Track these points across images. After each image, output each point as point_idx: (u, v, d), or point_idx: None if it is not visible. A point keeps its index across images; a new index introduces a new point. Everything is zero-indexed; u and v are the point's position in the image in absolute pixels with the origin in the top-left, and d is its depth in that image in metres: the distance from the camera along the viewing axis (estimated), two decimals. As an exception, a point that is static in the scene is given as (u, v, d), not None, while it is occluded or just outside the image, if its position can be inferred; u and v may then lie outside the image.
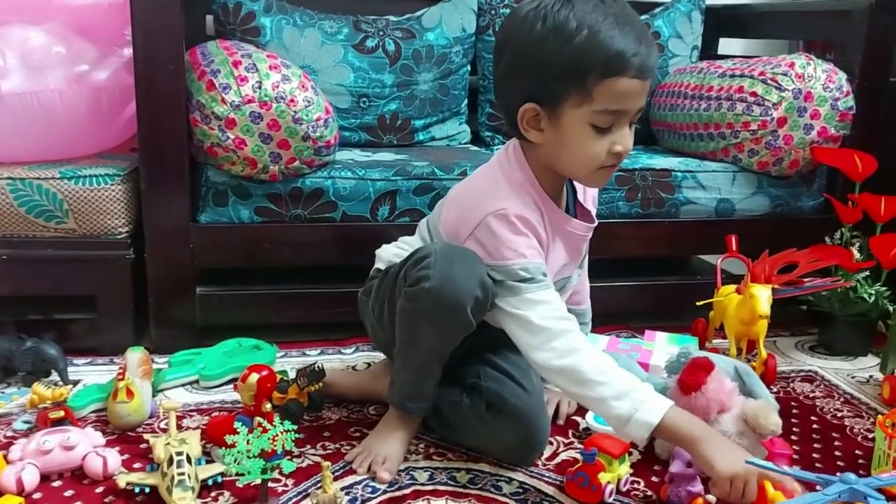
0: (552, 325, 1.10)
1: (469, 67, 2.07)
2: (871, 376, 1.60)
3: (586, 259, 1.40)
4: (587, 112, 1.07)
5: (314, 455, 1.22)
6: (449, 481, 1.15)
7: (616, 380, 1.07)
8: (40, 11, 1.56)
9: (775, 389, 1.50)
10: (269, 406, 1.16)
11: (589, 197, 1.29)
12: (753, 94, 1.73)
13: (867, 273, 1.66)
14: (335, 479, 1.14)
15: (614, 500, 1.12)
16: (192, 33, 1.67)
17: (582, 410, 1.38)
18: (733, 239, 1.64)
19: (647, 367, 1.46)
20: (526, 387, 1.19)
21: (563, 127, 1.09)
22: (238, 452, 1.03)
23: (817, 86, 1.72)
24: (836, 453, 1.28)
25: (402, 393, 1.22)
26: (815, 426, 1.37)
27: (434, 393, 1.22)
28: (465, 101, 2.08)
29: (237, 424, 1.08)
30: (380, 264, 1.31)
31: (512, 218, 1.11)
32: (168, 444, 1.10)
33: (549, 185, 1.17)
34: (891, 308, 1.57)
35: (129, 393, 1.26)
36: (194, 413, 1.35)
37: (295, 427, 1.08)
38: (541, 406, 1.21)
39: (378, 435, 1.22)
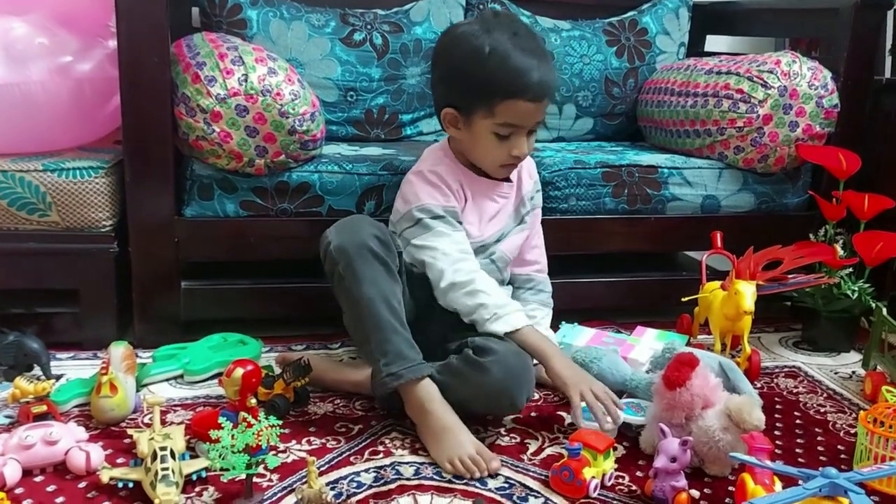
0: (457, 254, 1.32)
1: (457, 62, 2.06)
2: (853, 372, 1.61)
3: (538, 235, 1.57)
4: (490, 124, 1.33)
5: (299, 450, 1.22)
6: (434, 476, 1.15)
7: (497, 294, 1.31)
8: (23, 2, 1.54)
9: (759, 385, 1.51)
10: (253, 401, 1.16)
11: (524, 170, 1.51)
12: (740, 91, 1.74)
13: (850, 270, 1.67)
14: (320, 474, 1.14)
15: (599, 494, 1.12)
16: (177, 25, 1.65)
17: (566, 407, 1.39)
18: (718, 235, 1.66)
19: (626, 361, 1.47)
20: (507, 340, 1.28)
21: (473, 131, 1.36)
22: (223, 447, 1.02)
23: (803, 83, 1.73)
24: (819, 448, 1.29)
25: (381, 365, 1.22)
26: (798, 421, 1.38)
27: (413, 353, 1.23)
28: (453, 96, 2.08)
29: (222, 419, 1.07)
30: None
31: (426, 173, 1.38)
32: (152, 438, 1.09)
33: (464, 158, 1.42)
34: (873, 305, 1.59)
35: (113, 388, 1.25)
36: (178, 408, 1.35)
37: (280, 422, 1.08)
38: (522, 351, 1.27)
39: (433, 443, 1.20)
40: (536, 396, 1.43)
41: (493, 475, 1.15)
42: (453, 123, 1.38)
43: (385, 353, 1.22)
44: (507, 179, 1.48)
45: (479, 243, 1.42)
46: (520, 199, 1.50)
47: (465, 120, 1.36)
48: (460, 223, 1.38)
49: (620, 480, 1.17)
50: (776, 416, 1.39)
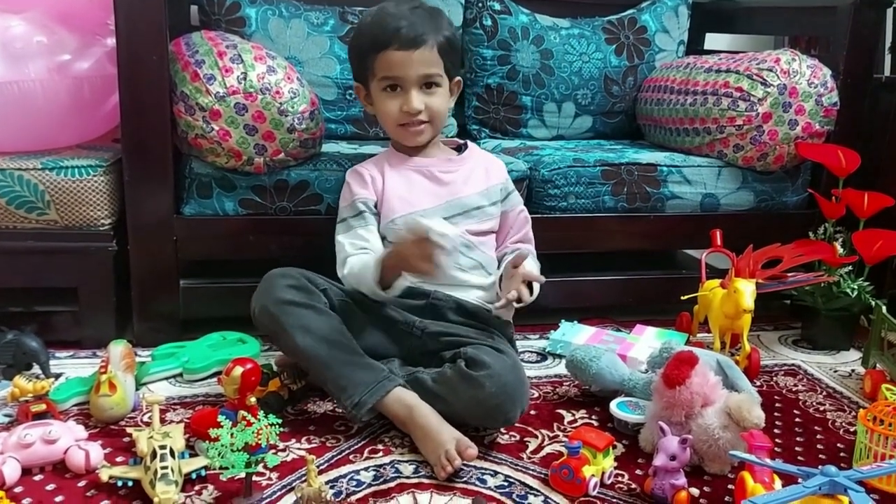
0: (352, 250, 1.38)
1: (456, 60, 2.06)
2: (853, 370, 1.61)
3: (521, 234, 1.52)
4: (377, 82, 1.40)
5: (299, 449, 1.22)
6: (434, 474, 1.15)
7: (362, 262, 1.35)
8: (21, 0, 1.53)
9: (759, 383, 1.51)
10: (253, 400, 1.15)
11: (492, 168, 1.51)
12: (739, 89, 1.74)
13: (850, 268, 1.67)
14: (320, 472, 1.14)
15: (598, 493, 1.12)
16: (176, 23, 1.65)
17: (566, 405, 1.39)
18: (718, 233, 1.65)
19: (626, 359, 1.47)
20: (502, 349, 1.28)
21: (373, 98, 1.43)
22: (222, 446, 1.02)
23: (802, 81, 1.73)
24: (819, 446, 1.29)
25: (344, 401, 1.23)
26: (797, 419, 1.38)
27: (370, 375, 1.24)
28: (452, 94, 2.08)
29: (221, 418, 1.07)
30: None
31: (356, 167, 1.48)
32: (151, 437, 1.09)
33: (399, 144, 1.48)
34: (873, 303, 1.59)
35: (112, 386, 1.25)
36: (178, 406, 1.35)
37: (279, 421, 1.08)
38: (517, 363, 1.27)
39: (422, 449, 1.19)
40: (536, 395, 1.43)
41: (470, 461, 1.16)
42: (366, 100, 1.46)
43: (342, 388, 1.23)
44: (459, 150, 1.51)
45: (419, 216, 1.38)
46: (485, 189, 1.46)
47: (366, 92, 1.44)
48: (374, 213, 1.42)
49: (620, 479, 1.17)
50: (776, 414, 1.39)
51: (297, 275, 1.31)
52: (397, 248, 1.29)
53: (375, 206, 1.43)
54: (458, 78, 1.47)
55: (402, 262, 1.27)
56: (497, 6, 2.05)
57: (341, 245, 1.41)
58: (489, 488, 1.13)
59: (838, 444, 1.30)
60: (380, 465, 1.17)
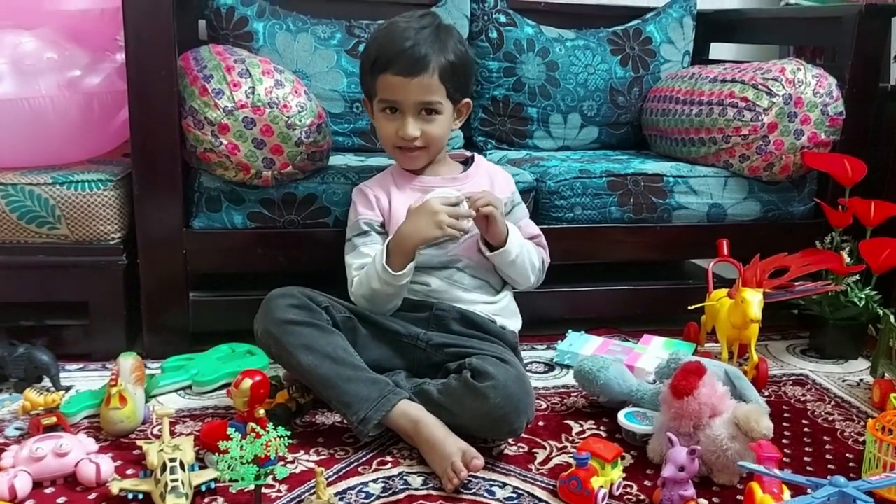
0: (356, 272, 1.40)
1: (462, 72, 2.07)
2: (861, 380, 1.61)
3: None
4: (377, 102, 1.41)
5: (308, 461, 1.22)
6: (442, 486, 1.15)
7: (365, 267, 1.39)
8: (32, 16, 1.55)
9: (767, 393, 1.51)
10: (262, 412, 1.16)
11: (496, 182, 1.51)
12: (744, 99, 1.74)
13: (857, 277, 1.67)
14: (328, 484, 1.14)
15: (607, 504, 1.12)
16: (184, 38, 1.67)
17: (574, 416, 1.39)
18: (725, 243, 1.65)
19: (633, 370, 1.47)
20: (507, 360, 1.27)
21: (374, 114, 1.44)
22: (231, 458, 1.03)
23: (808, 91, 1.73)
24: (827, 456, 1.29)
25: (349, 417, 1.23)
26: (806, 429, 1.38)
27: (374, 390, 1.23)
28: (458, 106, 2.09)
29: (230, 430, 1.08)
30: None
31: (361, 187, 1.50)
32: (161, 450, 1.10)
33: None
34: (881, 312, 1.58)
35: (122, 399, 1.26)
36: (187, 419, 1.35)
37: (288, 433, 1.08)
38: (522, 374, 1.26)
39: (429, 461, 1.19)
40: (543, 405, 1.43)
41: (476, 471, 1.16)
42: (372, 114, 1.46)
43: (347, 404, 1.23)
44: (465, 162, 1.52)
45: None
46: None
47: (371, 107, 1.45)
48: (380, 232, 1.44)
49: (628, 490, 1.17)
50: (784, 424, 1.39)
51: (298, 294, 1.32)
52: (405, 225, 1.33)
53: (382, 226, 1.44)
54: (468, 100, 1.46)
55: (411, 231, 1.31)
56: (502, 18, 2.06)
57: (349, 266, 1.43)
58: (497, 500, 1.13)
59: (847, 455, 1.29)
60: (388, 477, 1.18)
